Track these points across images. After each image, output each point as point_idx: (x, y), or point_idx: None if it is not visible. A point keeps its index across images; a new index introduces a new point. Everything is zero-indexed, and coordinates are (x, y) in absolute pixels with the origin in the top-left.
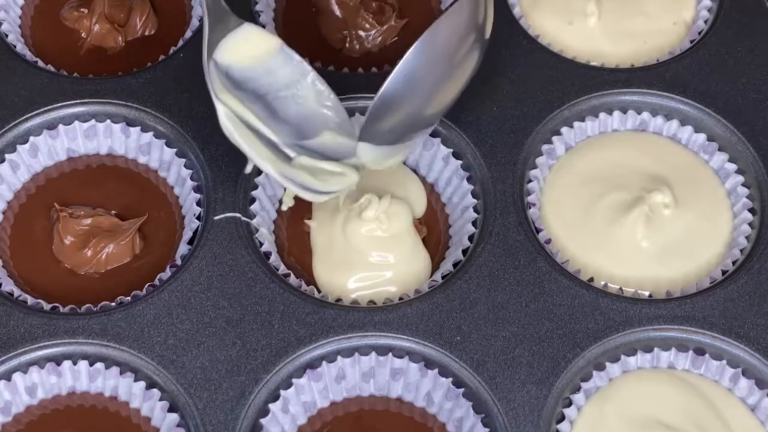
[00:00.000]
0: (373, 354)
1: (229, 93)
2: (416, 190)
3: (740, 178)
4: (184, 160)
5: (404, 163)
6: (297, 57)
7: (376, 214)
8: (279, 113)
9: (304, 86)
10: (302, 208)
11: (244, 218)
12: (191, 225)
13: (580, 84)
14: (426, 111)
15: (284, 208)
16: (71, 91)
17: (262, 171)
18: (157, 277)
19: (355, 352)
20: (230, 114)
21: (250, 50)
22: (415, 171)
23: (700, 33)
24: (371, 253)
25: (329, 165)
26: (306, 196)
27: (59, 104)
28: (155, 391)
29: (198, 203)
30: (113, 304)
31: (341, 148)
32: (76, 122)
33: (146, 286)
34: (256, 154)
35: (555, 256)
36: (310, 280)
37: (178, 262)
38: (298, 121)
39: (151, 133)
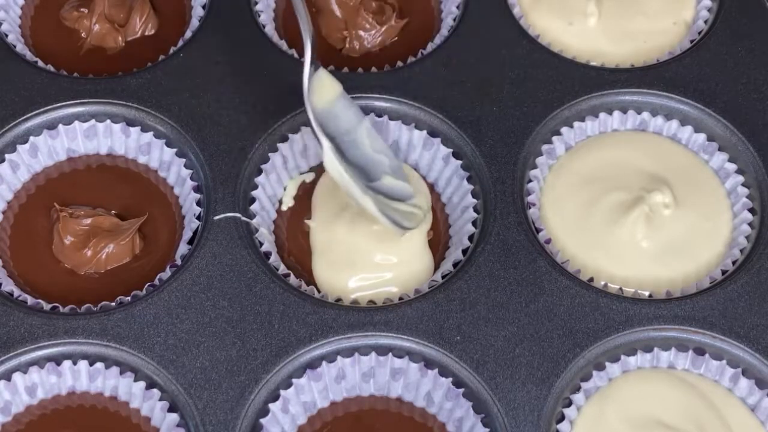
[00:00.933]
0: (373, 354)
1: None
2: (425, 195)
3: (740, 178)
4: (184, 160)
5: (404, 161)
6: (355, 103)
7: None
8: (347, 156)
9: (360, 132)
10: (302, 208)
11: (244, 218)
12: (191, 225)
13: (580, 84)
14: None
15: (284, 208)
16: (71, 91)
17: (364, 206)
18: (157, 277)
19: (355, 352)
20: (334, 149)
21: (325, 94)
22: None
23: (700, 33)
24: (377, 255)
25: (399, 205)
26: (397, 231)
27: (59, 104)
28: (155, 391)
29: (198, 203)
30: (113, 304)
31: (401, 191)
32: (76, 122)
33: (146, 286)
34: (359, 190)
35: (555, 256)
36: (310, 280)
37: (178, 262)
38: (362, 164)
39: (151, 133)
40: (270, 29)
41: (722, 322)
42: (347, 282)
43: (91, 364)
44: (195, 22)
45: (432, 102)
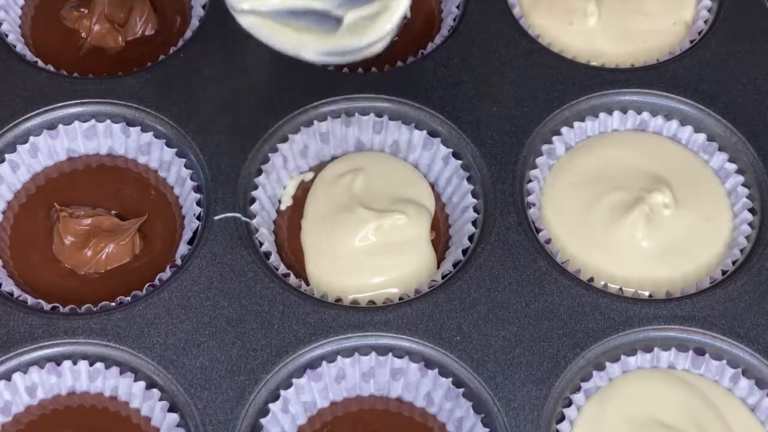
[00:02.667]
0: (373, 354)
1: None
2: (427, 195)
3: (740, 178)
4: (184, 160)
5: (404, 161)
6: None
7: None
8: None
9: None
10: (301, 208)
11: (244, 218)
12: (191, 225)
13: (580, 84)
14: None
15: (283, 207)
16: (71, 91)
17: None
18: (157, 277)
19: (355, 352)
20: (253, 24)
21: None
22: None
23: (700, 33)
24: (381, 258)
25: (376, 6)
26: (350, 58)
27: (59, 104)
28: (155, 391)
29: (198, 203)
30: (113, 304)
31: None
32: (76, 122)
33: (146, 286)
34: (293, 46)
35: (555, 256)
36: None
37: (178, 262)
38: None
39: (151, 133)
40: None
41: (722, 322)
42: (339, 282)
43: (91, 364)
44: (195, 22)
45: (432, 102)
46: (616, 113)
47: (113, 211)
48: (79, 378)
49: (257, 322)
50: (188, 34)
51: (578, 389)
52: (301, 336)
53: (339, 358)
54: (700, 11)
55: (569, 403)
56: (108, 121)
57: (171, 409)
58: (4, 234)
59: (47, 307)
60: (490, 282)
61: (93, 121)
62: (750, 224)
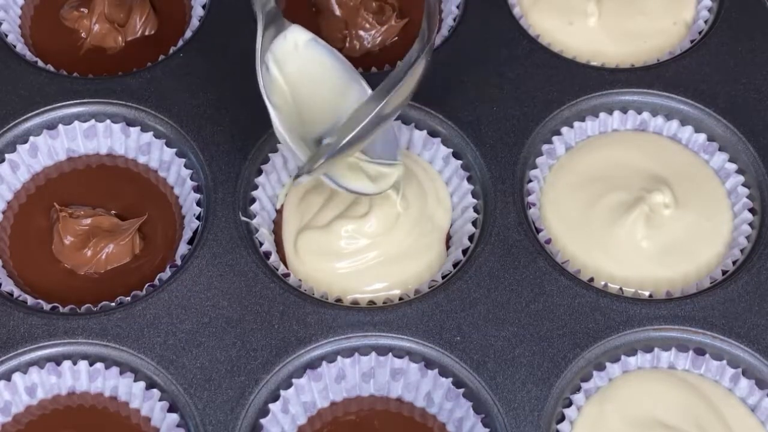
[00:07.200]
0: (373, 354)
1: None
2: (446, 199)
3: (740, 178)
4: (184, 160)
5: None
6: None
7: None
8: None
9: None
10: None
11: (244, 218)
12: (191, 225)
13: (580, 84)
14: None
15: (278, 206)
16: (71, 91)
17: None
18: (157, 277)
19: (355, 352)
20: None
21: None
22: None
23: (700, 33)
24: (389, 267)
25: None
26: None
27: (59, 104)
28: (155, 391)
29: (198, 203)
30: (113, 304)
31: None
32: (76, 122)
33: (146, 286)
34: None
35: (555, 256)
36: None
37: (178, 262)
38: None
39: (150, 133)
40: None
41: (722, 322)
42: (339, 284)
43: (91, 365)
44: (195, 22)
45: (432, 102)
46: (616, 113)
47: (113, 211)
48: (79, 378)
49: (257, 322)
50: (188, 34)
51: (578, 389)
52: (301, 336)
53: (339, 358)
54: (700, 11)
55: (569, 403)
56: (108, 121)
57: (171, 409)
58: (4, 234)
59: (47, 307)
60: (490, 282)
61: (93, 121)
62: (750, 224)
